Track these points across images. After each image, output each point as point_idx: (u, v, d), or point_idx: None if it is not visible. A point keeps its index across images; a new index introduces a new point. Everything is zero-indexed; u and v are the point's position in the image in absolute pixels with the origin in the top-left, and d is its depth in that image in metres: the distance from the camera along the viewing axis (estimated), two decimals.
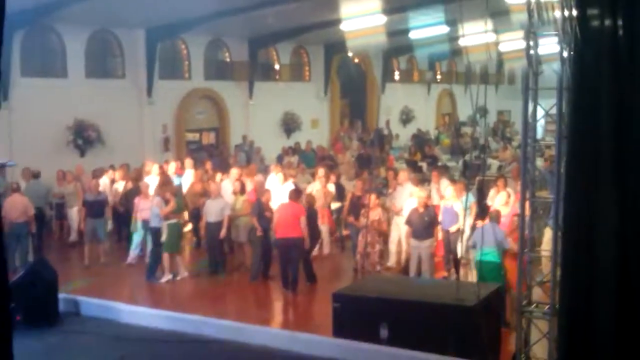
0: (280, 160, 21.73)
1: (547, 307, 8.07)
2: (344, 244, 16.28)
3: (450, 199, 13.19)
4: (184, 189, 16.56)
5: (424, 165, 22.29)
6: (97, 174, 17.02)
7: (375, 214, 12.65)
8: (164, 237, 13.65)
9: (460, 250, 12.45)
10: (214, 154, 22.97)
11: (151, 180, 15.68)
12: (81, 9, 17.81)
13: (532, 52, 8.47)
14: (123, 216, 16.07)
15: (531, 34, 8.41)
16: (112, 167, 18.23)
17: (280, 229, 13.06)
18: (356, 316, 7.71)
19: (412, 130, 32.43)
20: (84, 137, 20.03)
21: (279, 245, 13.22)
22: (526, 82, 8.60)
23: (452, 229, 12.90)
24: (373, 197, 13.30)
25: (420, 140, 28.95)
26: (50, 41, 20.62)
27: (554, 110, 8.42)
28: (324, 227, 15.22)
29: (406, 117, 34.49)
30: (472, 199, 13.49)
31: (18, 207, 13.46)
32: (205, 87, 24.77)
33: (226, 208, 14.20)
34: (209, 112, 25.29)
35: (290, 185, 15.22)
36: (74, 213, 16.43)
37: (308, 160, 22.25)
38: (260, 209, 13.74)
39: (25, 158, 16.63)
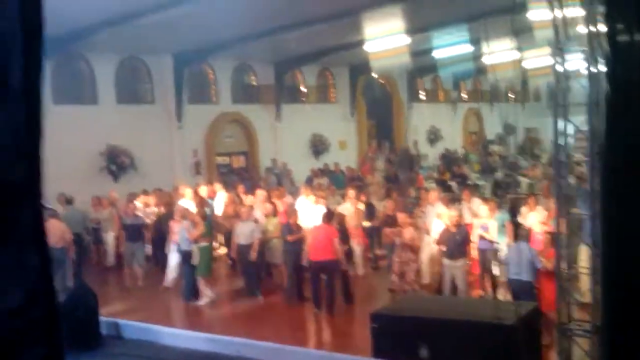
0: (309, 182, 21.85)
1: (588, 324, 8.03)
2: (377, 263, 16.32)
3: (485, 218, 13.20)
4: (217, 212, 16.71)
5: (453, 184, 22.30)
6: (132, 198, 17.28)
7: (409, 232, 12.68)
8: (195, 260, 13.81)
9: (496, 268, 12.44)
10: (244, 177, 23.17)
11: (185, 204, 15.88)
12: (110, 36, 18.17)
13: (560, 68, 8.52)
14: (158, 240, 16.27)
15: (558, 50, 8.47)
16: (145, 192, 18.46)
17: (314, 252, 13.13)
18: (395, 336, 7.73)
19: (440, 150, 32.43)
20: (117, 163, 20.37)
21: (312, 268, 13.29)
22: (555, 99, 8.64)
23: (482, 232, 12.96)
24: (405, 216, 13.35)
25: (448, 160, 28.94)
26: (80, 69, 21.03)
27: (584, 127, 8.43)
28: (357, 247, 15.30)
29: (433, 137, 34.50)
30: (506, 217, 13.49)
31: (56, 232, 13.68)
32: (233, 111, 25.05)
33: (256, 231, 14.33)
34: (237, 136, 25.55)
35: (321, 207, 15.32)
36: (111, 238, 16.72)
37: (338, 181, 22.35)
38: (290, 232, 13.87)
39: (59, 184, 16.92)
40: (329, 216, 13.66)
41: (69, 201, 16.55)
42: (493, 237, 12.93)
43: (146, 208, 17.29)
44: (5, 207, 2.87)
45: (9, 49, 2.90)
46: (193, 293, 13.94)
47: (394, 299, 11.78)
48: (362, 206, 16.44)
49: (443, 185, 20.90)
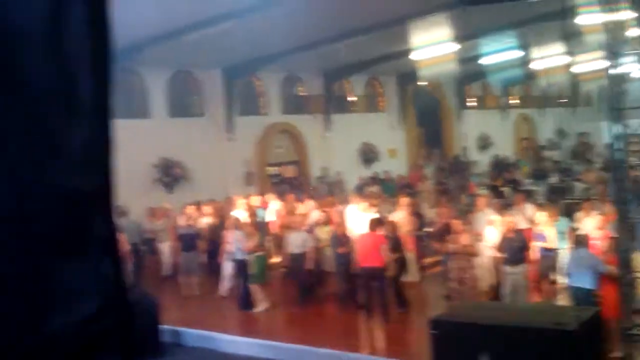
0: (359, 190, 21.88)
1: None
2: (429, 270, 16.23)
3: (542, 226, 13.02)
4: (268, 222, 16.84)
5: (505, 190, 22.07)
6: (186, 209, 17.54)
7: (464, 239, 12.60)
8: (250, 269, 13.99)
9: (555, 274, 12.27)
10: (295, 186, 23.33)
11: (238, 214, 16.06)
12: (161, 51, 18.51)
13: (613, 71, 8.44)
14: (212, 249, 16.47)
15: (611, 53, 8.39)
16: (198, 203, 18.69)
17: (362, 259, 13.16)
18: (455, 343, 7.69)
19: (490, 157, 32.16)
20: (170, 175, 20.70)
21: (361, 275, 13.31)
22: (610, 102, 8.55)
23: (540, 242, 12.81)
24: (459, 223, 13.26)
25: (500, 166, 28.68)
26: (132, 83, 21.42)
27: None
28: (409, 255, 15.25)
29: (484, 144, 34.21)
30: (567, 223, 13.26)
31: None
32: (283, 122, 25.26)
33: (308, 240, 14.44)
34: (287, 146, 25.74)
35: (371, 215, 15.31)
36: (166, 248, 16.99)
37: (388, 189, 22.34)
38: (339, 242, 13.94)
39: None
40: (377, 223, 13.67)
41: (123, 213, 16.86)
42: (551, 245, 12.75)
43: (199, 218, 17.52)
44: (79, 217, 2.98)
45: (79, 63, 3.01)
46: (248, 301, 14.08)
47: (452, 305, 11.70)
48: (411, 214, 16.38)
49: (495, 192, 20.71)
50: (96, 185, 3.04)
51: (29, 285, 2.94)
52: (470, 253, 12.26)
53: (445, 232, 13.72)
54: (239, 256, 14.16)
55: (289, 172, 25.75)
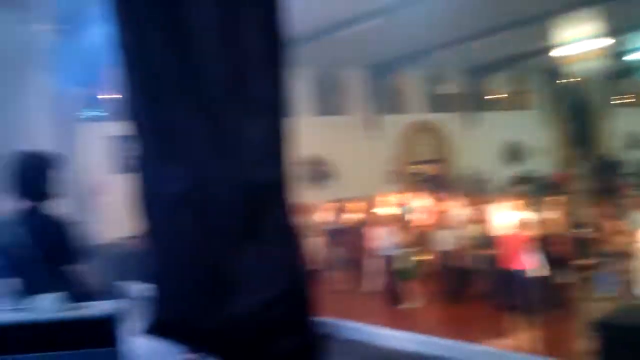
0: (507, 189, 21.49)
1: None
2: (581, 273, 15.68)
3: None
4: (414, 219, 16.89)
5: None
6: (333, 205, 17.87)
7: (622, 240, 12.11)
8: (398, 265, 14.09)
9: None
10: (438, 184, 23.24)
11: (382, 211, 16.20)
12: (309, 49, 18.93)
13: None
14: (357, 245, 16.66)
15: None
16: (339, 200, 18.99)
17: (510, 260, 12.91)
18: (622, 346, 7.40)
19: None
20: (317, 171, 21.23)
21: (510, 276, 13.05)
22: None
23: None
24: (618, 224, 12.76)
25: None
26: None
27: None
28: (561, 256, 14.81)
29: (635, 142, 32.57)
30: None
31: None
32: (426, 120, 25.20)
33: (456, 238, 14.37)
34: (431, 144, 25.65)
35: (519, 215, 15.01)
36: (313, 243, 17.37)
37: (537, 188, 21.81)
38: (485, 241, 13.78)
39: None
40: (525, 223, 13.37)
41: None
42: None
43: (343, 215, 17.82)
44: (259, 207, 3.16)
45: (253, 64, 3.19)
46: (397, 297, 14.17)
47: (617, 308, 11.24)
48: (561, 214, 15.90)
49: None
50: (273, 177, 3.24)
51: (213, 270, 3.17)
52: (630, 254, 11.76)
53: (601, 233, 13.24)
54: (387, 252, 14.30)
55: (433, 170, 25.65)
